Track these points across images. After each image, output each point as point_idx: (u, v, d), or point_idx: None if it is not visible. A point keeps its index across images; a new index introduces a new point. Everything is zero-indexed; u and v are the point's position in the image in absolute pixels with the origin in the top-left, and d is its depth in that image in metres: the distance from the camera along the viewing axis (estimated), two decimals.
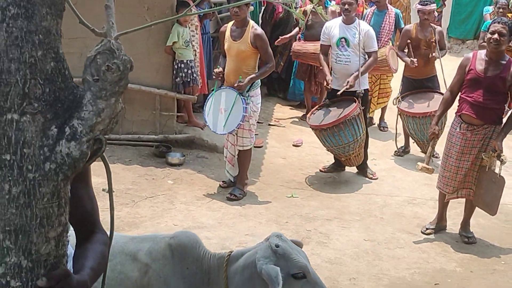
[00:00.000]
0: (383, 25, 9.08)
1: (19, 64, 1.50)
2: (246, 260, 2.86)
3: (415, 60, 7.88)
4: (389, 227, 6.32)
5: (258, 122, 7.71)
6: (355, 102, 7.08)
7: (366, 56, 7.28)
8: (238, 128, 6.48)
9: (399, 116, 8.24)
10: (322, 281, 2.88)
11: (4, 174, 1.54)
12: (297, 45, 9.52)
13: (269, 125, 9.60)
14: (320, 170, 7.88)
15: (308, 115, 7.79)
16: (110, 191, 1.92)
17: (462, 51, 15.44)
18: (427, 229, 6.15)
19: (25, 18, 1.50)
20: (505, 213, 6.72)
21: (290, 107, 10.90)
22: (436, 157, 8.07)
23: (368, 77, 8.96)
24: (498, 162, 5.64)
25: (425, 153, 8.23)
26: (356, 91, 7.12)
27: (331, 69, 7.45)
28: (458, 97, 5.89)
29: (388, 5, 9.65)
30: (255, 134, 7.31)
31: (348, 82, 6.99)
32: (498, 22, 5.63)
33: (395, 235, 6.12)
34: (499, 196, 5.74)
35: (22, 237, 1.57)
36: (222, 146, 7.46)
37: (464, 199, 6.11)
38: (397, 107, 8.17)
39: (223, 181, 7.04)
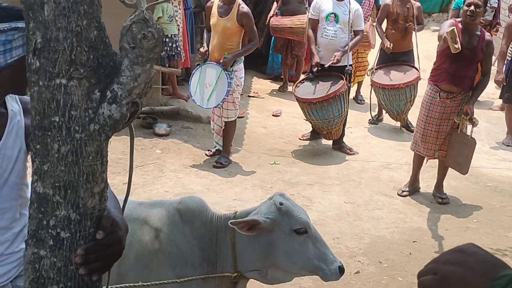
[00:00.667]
0: (363, 1, 9.13)
1: (67, 33, 1.56)
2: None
3: (390, 46, 7.96)
4: (367, 190, 6.48)
5: None
6: (342, 78, 7.13)
7: (352, 34, 7.29)
8: (223, 102, 6.54)
9: (370, 85, 8.37)
10: (321, 236, 2.99)
11: (53, 135, 1.60)
12: (274, 20, 9.55)
13: (249, 96, 9.68)
14: (299, 138, 8.00)
15: (293, 88, 7.76)
16: (131, 152, 1.99)
17: (428, 24, 15.57)
18: (403, 191, 6.33)
19: None
20: (475, 176, 6.93)
21: (268, 79, 10.97)
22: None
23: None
24: (470, 125, 5.83)
25: (398, 121, 8.46)
26: (345, 66, 7.16)
27: (316, 44, 7.45)
28: (433, 67, 6.02)
29: None
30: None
31: (335, 56, 7.04)
32: None
33: (373, 198, 6.28)
34: (471, 156, 5.92)
35: (71, 192, 1.63)
36: (206, 117, 7.55)
37: (437, 163, 6.29)
38: (370, 78, 8.28)
39: (208, 150, 7.11)
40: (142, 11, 1.69)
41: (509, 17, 10.24)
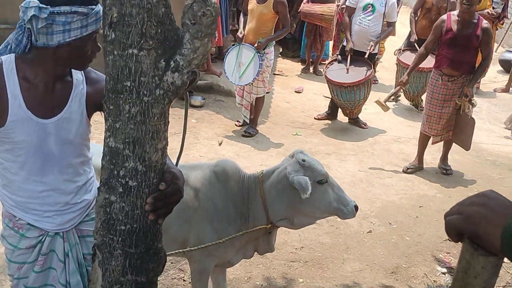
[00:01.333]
0: None
1: (139, 9, 1.61)
2: (278, 176, 2.99)
3: (415, 40, 7.98)
4: (379, 161, 6.50)
5: None
6: (370, 65, 7.12)
7: (385, 24, 7.25)
8: (253, 81, 6.55)
9: (396, 65, 8.28)
10: (337, 182, 3.06)
11: (125, 97, 1.67)
12: (305, 7, 9.47)
13: (274, 74, 9.68)
14: (315, 118, 7.85)
15: (324, 70, 7.64)
16: (185, 115, 2.06)
17: None
18: (408, 168, 6.27)
19: None
20: (476, 150, 6.92)
21: (291, 59, 10.96)
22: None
23: None
24: (470, 106, 5.80)
25: (414, 105, 8.38)
26: (375, 54, 7.19)
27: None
28: (436, 54, 5.99)
29: None
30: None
31: (371, 46, 7.04)
32: None
33: (384, 167, 6.31)
34: (471, 134, 5.91)
35: (138, 147, 1.71)
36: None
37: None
38: (397, 57, 8.20)
39: (237, 121, 7.17)
40: None
41: None
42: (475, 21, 5.65)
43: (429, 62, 7.30)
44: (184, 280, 3.78)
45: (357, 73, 7.05)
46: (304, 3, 9.57)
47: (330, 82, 7.20)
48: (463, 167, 6.47)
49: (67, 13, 1.97)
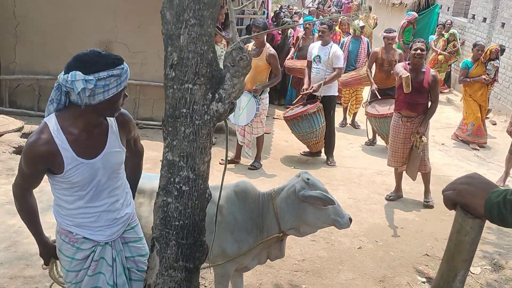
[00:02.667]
0: (360, 50, 9.33)
1: (194, 54, 1.86)
2: (287, 192, 3.17)
3: (375, 88, 8.16)
4: (365, 190, 6.67)
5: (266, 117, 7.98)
6: (316, 103, 7.34)
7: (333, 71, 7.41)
8: (252, 122, 6.78)
9: (366, 116, 8.48)
10: (335, 198, 3.22)
11: (181, 121, 1.90)
12: (289, 62, 9.71)
13: (273, 118, 9.95)
14: (300, 153, 7.96)
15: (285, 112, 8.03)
16: (226, 142, 2.28)
17: None
18: (390, 196, 6.38)
19: (199, 26, 1.85)
20: (446, 182, 7.10)
21: (276, 106, 11.09)
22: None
23: (346, 90, 9.34)
24: (420, 142, 5.93)
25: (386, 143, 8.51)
26: (330, 96, 7.44)
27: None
28: (395, 99, 6.25)
29: (362, 35, 9.88)
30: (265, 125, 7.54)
31: (312, 87, 7.30)
32: (418, 41, 6.00)
33: (370, 195, 6.47)
34: (417, 166, 6.06)
35: (190, 160, 1.93)
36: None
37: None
38: (365, 110, 8.32)
39: (222, 159, 7.16)
40: (239, 42, 2.00)
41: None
42: (424, 70, 5.97)
43: (391, 108, 7.51)
44: (205, 287, 3.93)
45: (300, 109, 7.46)
46: (287, 59, 9.81)
47: (284, 119, 7.60)
48: (436, 195, 6.64)
49: (105, 78, 2.09)
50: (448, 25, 13.14)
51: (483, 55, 9.07)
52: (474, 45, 9.41)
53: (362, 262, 4.66)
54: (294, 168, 7.30)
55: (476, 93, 9.22)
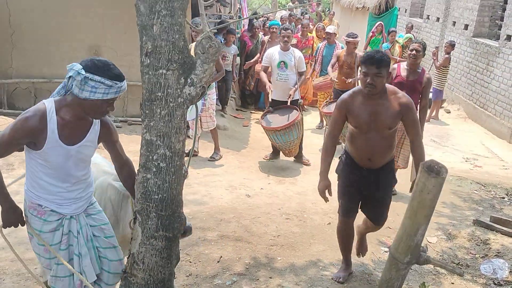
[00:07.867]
0: (334, 55, 8.67)
1: (166, 42, 1.85)
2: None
3: (334, 79, 7.84)
4: (334, 175, 6.64)
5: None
6: (297, 109, 6.72)
7: (298, 75, 6.96)
8: (199, 116, 6.25)
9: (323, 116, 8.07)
10: None
11: (157, 103, 1.89)
12: (258, 66, 9.18)
13: (251, 112, 9.95)
14: (264, 158, 7.26)
15: (260, 120, 7.11)
16: (196, 123, 2.27)
17: None
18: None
19: (170, 16, 1.84)
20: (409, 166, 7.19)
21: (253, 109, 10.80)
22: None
23: (321, 93, 8.92)
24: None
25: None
26: (297, 100, 6.83)
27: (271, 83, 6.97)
28: None
29: (335, 40, 9.30)
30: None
31: (290, 95, 6.74)
32: (415, 42, 5.76)
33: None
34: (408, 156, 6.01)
35: (167, 139, 1.92)
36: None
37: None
38: (321, 110, 7.98)
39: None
40: (208, 32, 2.00)
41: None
42: (419, 71, 5.71)
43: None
44: (190, 262, 3.93)
45: (286, 118, 6.73)
46: (257, 64, 9.33)
47: (265, 129, 6.84)
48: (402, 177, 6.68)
49: (96, 81, 2.15)
50: (409, 28, 12.72)
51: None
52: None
53: (331, 236, 4.69)
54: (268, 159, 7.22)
55: None
